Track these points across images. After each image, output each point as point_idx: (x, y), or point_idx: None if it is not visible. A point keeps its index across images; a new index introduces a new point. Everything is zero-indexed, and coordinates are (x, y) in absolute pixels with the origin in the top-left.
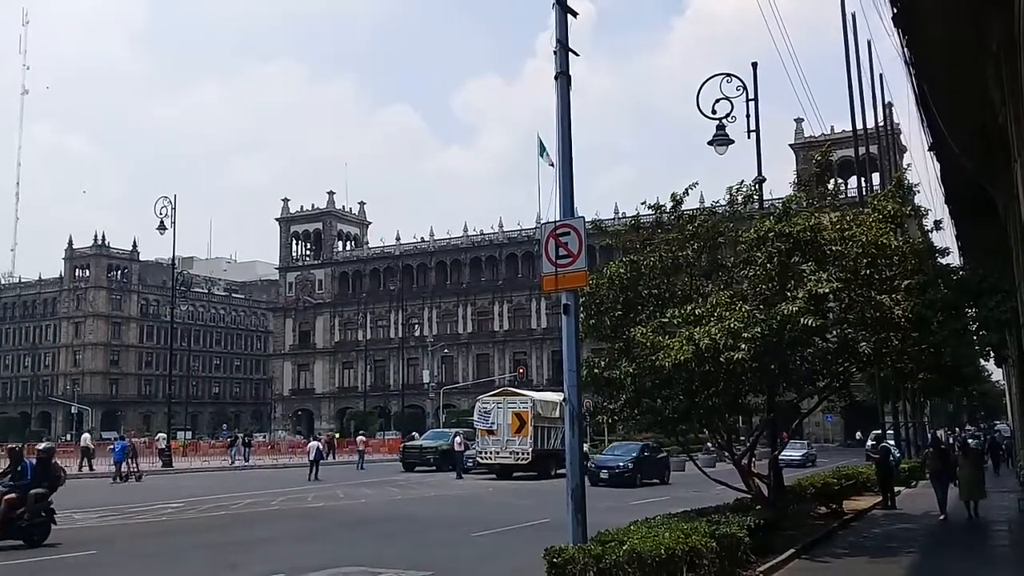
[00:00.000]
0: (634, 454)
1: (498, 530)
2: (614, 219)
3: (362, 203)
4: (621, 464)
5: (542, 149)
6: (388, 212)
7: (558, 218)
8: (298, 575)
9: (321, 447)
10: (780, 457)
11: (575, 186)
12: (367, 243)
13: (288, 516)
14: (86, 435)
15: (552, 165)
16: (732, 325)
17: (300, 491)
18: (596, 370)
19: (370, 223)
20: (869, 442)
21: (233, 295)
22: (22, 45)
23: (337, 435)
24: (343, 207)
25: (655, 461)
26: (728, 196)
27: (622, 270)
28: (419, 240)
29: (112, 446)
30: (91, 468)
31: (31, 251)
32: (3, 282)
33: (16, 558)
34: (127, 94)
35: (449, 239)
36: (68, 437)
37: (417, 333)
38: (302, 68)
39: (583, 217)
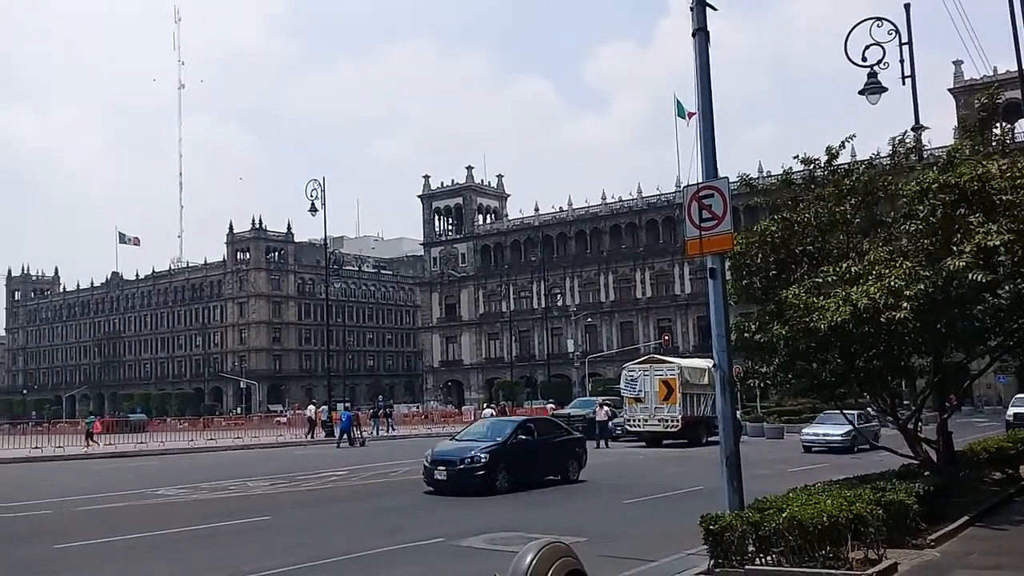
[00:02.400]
0: (499, 438)
1: (649, 497)
2: (759, 178)
3: (500, 176)
4: (470, 457)
5: (680, 110)
6: (525, 184)
7: (700, 180)
8: (457, 539)
9: (495, 414)
10: (807, 436)
11: (716, 146)
12: (506, 215)
13: None
14: (311, 407)
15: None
16: (892, 283)
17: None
18: (746, 334)
19: (508, 195)
20: (1012, 410)
21: (382, 272)
22: (176, 42)
23: (509, 403)
24: (481, 181)
25: (552, 447)
26: (891, 147)
27: (773, 228)
28: (558, 210)
29: (342, 416)
30: (312, 436)
31: (196, 237)
32: (172, 267)
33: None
34: (272, 80)
35: (588, 207)
36: (238, 410)
37: (560, 303)
38: (434, 44)
39: (726, 178)
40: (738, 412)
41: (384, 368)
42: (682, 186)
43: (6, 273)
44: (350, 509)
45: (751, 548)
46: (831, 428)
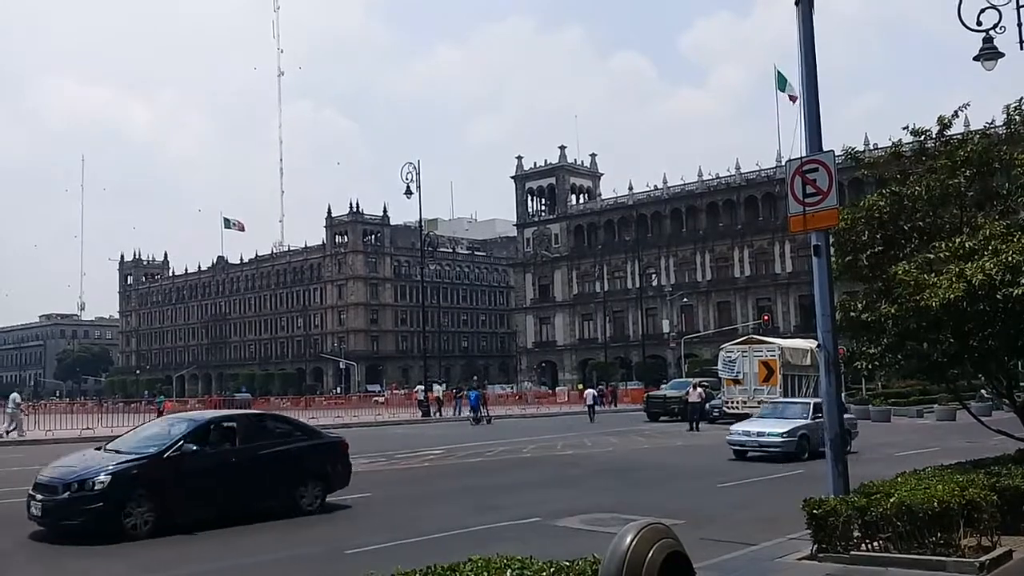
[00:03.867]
0: (152, 448)
1: (747, 480)
2: (865, 150)
3: (593, 155)
4: (79, 481)
5: (781, 82)
6: (619, 162)
7: (803, 154)
8: (553, 519)
9: (596, 395)
10: (735, 438)
11: (821, 118)
12: (600, 195)
13: (539, 463)
14: (437, 387)
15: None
16: (1010, 259)
17: (549, 440)
18: (852, 313)
19: (602, 174)
20: None
21: (475, 253)
22: (275, 30)
23: (616, 385)
24: (574, 160)
25: (261, 462)
26: (1005, 116)
27: (881, 203)
28: (652, 188)
29: (470, 396)
30: (440, 414)
31: (296, 221)
32: (274, 251)
33: None
34: (368, 65)
35: (683, 185)
36: (338, 390)
37: (655, 283)
38: (530, 22)
39: (831, 151)
40: (842, 395)
41: (478, 349)
42: (784, 160)
43: (119, 258)
44: (446, 487)
45: (856, 534)
46: (770, 425)
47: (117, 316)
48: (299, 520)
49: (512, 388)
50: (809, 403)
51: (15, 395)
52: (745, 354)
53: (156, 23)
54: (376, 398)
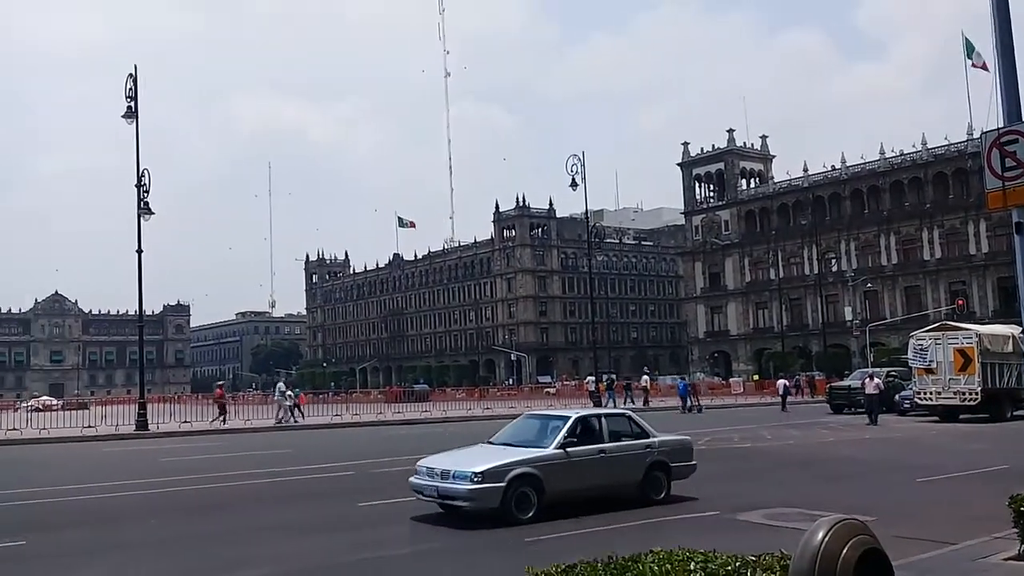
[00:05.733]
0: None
1: (945, 476)
2: None
3: (763, 137)
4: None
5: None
6: (791, 143)
7: (1001, 124)
8: (733, 513)
9: (788, 385)
10: (416, 481)
11: (1019, 85)
12: (772, 178)
13: (715, 456)
14: (645, 376)
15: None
16: None
17: (726, 432)
18: None
19: (773, 157)
20: None
21: (642, 243)
22: (440, 32)
23: (813, 375)
24: (743, 144)
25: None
26: None
27: None
28: (829, 169)
29: (678, 385)
30: (647, 403)
31: (465, 217)
32: (446, 247)
33: None
34: (531, 60)
35: (864, 164)
36: (510, 381)
37: (834, 268)
38: (691, 5)
39: None
40: None
41: (648, 339)
42: (978, 133)
43: (304, 258)
44: None
45: None
46: (464, 461)
47: (304, 312)
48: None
49: (684, 378)
50: (567, 419)
51: (281, 384)
52: (938, 341)
53: (331, 36)
54: (547, 389)
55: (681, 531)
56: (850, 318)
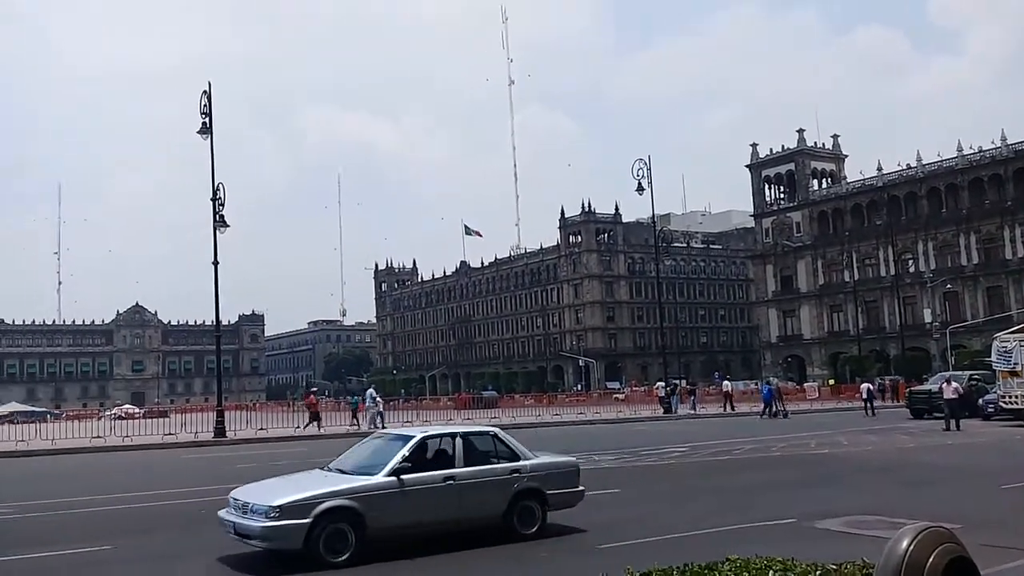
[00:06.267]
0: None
1: None
2: None
3: (835, 136)
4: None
5: None
6: (864, 143)
7: None
8: (811, 521)
9: (872, 389)
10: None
11: None
12: (844, 178)
13: (791, 462)
14: (727, 382)
15: None
16: None
17: (802, 437)
18: None
19: (845, 156)
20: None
21: (711, 246)
22: (504, 41)
23: (899, 379)
24: (814, 144)
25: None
26: None
27: None
28: (904, 167)
29: (762, 389)
30: (732, 408)
31: (531, 223)
32: (512, 254)
33: None
34: (595, 64)
35: (941, 161)
36: (578, 388)
37: (912, 269)
38: (756, 6)
39: None
40: None
41: (718, 344)
42: None
43: (373, 267)
44: (694, 485)
45: None
46: (266, 494)
47: (374, 321)
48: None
49: (756, 384)
50: (408, 439)
51: (371, 391)
52: (1023, 343)
53: (394, 48)
54: (616, 395)
55: (755, 539)
56: (929, 320)
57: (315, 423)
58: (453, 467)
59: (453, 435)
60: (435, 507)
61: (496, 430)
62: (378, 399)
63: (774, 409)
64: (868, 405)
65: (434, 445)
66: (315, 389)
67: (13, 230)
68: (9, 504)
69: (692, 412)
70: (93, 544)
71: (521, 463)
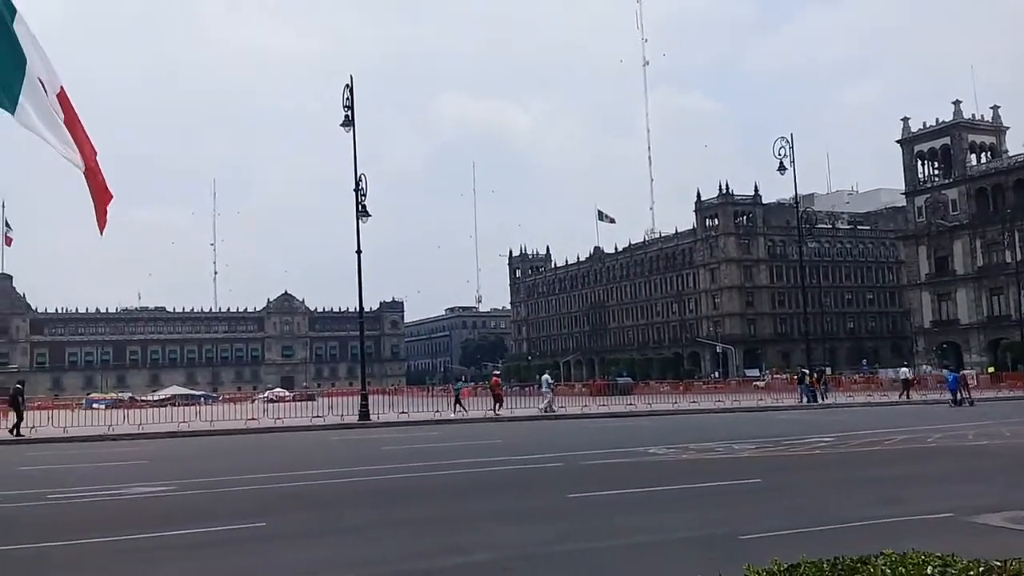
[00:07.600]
0: None
1: None
2: None
3: (995, 107)
4: None
5: None
6: None
7: None
8: (970, 515)
9: None
10: None
11: None
12: (1006, 151)
13: (947, 453)
14: (903, 369)
15: None
16: None
17: (959, 428)
18: None
19: (1007, 128)
20: None
21: (858, 227)
22: (638, 21)
23: (991, 369)
24: (972, 116)
25: None
26: None
27: None
28: None
29: (947, 378)
30: (908, 396)
31: (665, 207)
32: (647, 238)
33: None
34: (732, 41)
35: None
36: (716, 375)
37: None
38: None
39: None
40: None
41: (866, 330)
42: None
43: (508, 254)
44: (842, 476)
45: None
46: None
47: (509, 307)
48: (701, 501)
49: (910, 372)
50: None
51: (547, 376)
52: None
53: (527, 33)
54: (756, 383)
55: (910, 533)
56: None
57: (497, 405)
58: None
59: None
60: None
61: None
62: (551, 383)
63: (960, 397)
64: None
65: None
66: (498, 372)
67: (176, 226)
68: (172, 481)
69: (816, 402)
70: (250, 521)
71: None
